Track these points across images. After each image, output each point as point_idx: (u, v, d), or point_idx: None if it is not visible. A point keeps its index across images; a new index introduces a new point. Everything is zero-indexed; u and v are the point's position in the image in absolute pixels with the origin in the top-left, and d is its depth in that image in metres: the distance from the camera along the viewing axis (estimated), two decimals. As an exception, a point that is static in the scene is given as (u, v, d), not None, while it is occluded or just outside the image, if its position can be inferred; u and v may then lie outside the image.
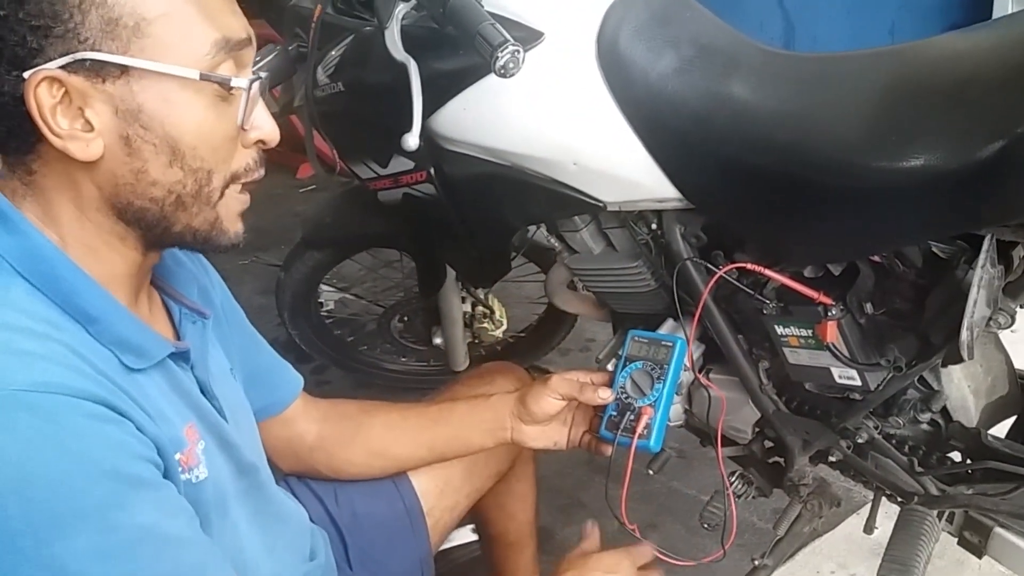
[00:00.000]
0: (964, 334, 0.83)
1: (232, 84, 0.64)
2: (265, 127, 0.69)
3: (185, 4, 0.61)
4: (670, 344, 1.02)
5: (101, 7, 0.58)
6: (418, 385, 2.07)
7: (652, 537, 1.56)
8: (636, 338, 1.05)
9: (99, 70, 0.60)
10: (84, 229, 0.65)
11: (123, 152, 0.62)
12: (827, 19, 3.20)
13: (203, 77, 0.62)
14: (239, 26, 0.65)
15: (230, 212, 0.70)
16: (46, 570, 0.54)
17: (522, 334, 2.06)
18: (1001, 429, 1.06)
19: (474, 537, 1.32)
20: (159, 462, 0.62)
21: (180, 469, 0.66)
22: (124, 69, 0.60)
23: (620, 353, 1.05)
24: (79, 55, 0.58)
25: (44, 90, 0.58)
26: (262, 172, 0.71)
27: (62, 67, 0.58)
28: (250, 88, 0.65)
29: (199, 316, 0.78)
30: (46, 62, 0.58)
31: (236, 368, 0.86)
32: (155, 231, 0.67)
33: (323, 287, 1.94)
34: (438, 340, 1.93)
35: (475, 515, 1.21)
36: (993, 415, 1.06)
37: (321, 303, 1.98)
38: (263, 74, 0.69)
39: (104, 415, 0.58)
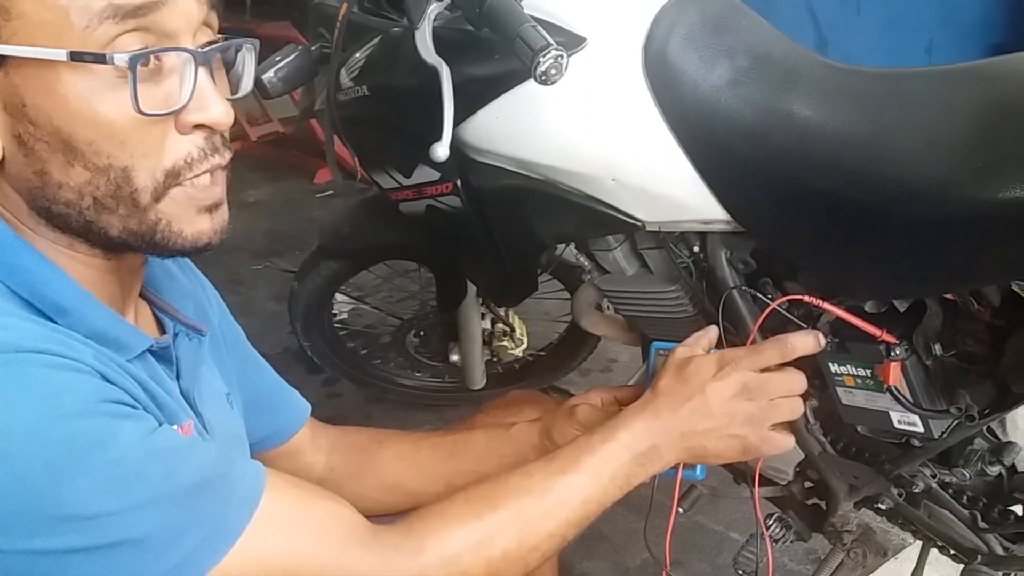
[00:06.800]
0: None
1: (112, 61, 0.52)
2: (210, 109, 0.57)
3: None
4: None
5: None
6: (432, 402, 2.00)
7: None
8: (662, 352, 0.92)
9: None
10: (32, 240, 0.58)
11: (20, 153, 0.55)
12: (861, 35, 3.11)
13: (73, 57, 0.52)
14: None
15: (182, 212, 0.59)
16: (63, 523, 0.49)
17: (542, 353, 1.99)
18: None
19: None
20: (136, 405, 0.56)
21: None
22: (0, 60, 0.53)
23: (647, 372, 0.94)
24: None
25: None
26: (223, 157, 0.60)
27: None
28: (134, 65, 0.53)
29: (195, 332, 0.71)
30: None
31: (235, 394, 0.79)
32: (93, 238, 0.59)
33: (336, 296, 1.88)
34: (455, 357, 1.86)
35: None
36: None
37: (334, 313, 1.92)
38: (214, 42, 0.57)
39: (65, 364, 0.52)
